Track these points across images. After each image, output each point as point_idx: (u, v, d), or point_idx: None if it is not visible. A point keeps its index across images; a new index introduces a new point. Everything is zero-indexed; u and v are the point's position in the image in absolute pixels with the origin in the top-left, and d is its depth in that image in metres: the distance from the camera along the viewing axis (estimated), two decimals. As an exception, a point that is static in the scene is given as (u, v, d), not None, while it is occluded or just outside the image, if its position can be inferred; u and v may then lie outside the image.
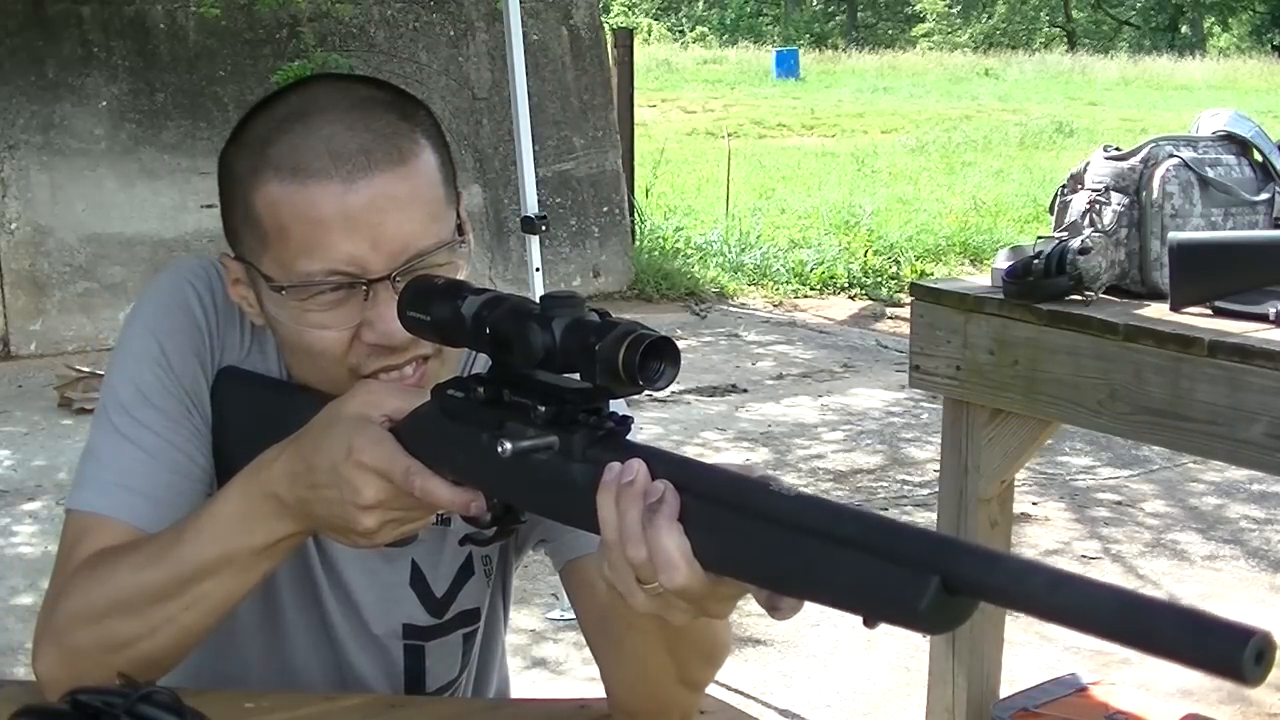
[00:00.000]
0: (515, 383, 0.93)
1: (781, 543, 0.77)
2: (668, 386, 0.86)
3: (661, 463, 0.85)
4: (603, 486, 0.85)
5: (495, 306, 0.95)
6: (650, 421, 5.44)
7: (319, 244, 1.08)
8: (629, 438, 0.91)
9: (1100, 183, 2.48)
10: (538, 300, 0.92)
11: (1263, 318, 2.19)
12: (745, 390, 6.12)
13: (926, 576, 0.71)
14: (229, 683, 1.28)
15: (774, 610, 0.81)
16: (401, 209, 1.09)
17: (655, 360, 0.85)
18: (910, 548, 0.72)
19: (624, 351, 0.84)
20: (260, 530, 1.07)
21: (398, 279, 1.08)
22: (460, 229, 1.15)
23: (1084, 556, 4.18)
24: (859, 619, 0.75)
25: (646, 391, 0.87)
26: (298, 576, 1.26)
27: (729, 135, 12.80)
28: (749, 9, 44.01)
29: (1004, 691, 2.68)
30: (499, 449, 0.90)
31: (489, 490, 0.98)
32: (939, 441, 2.63)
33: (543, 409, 0.91)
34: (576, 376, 0.89)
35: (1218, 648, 0.60)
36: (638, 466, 0.85)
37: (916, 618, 0.71)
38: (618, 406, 0.93)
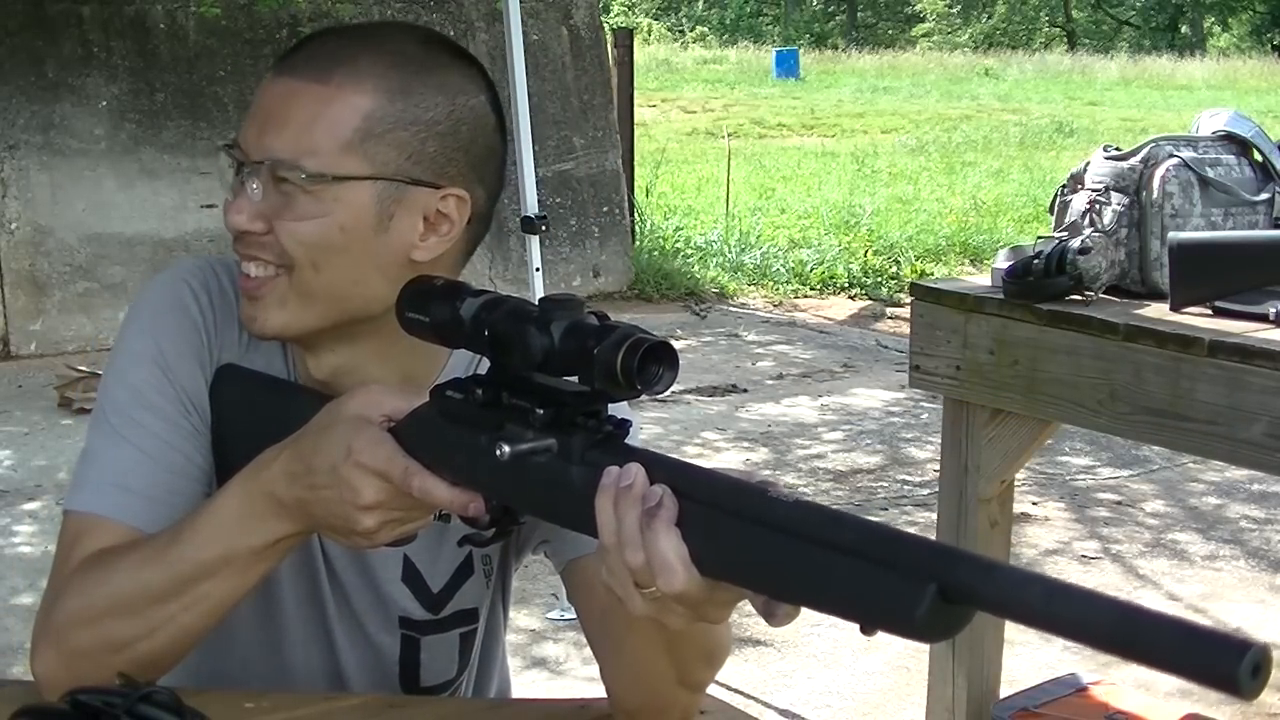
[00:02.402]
0: (514, 385, 0.93)
1: (779, 549, 0.77)
2: (666, 390, 0.86)
3: (660, 467, 0.85)
4: (601, 490, 0.85)
5: (494, 309, 0.95)
6: (650, 421, 5.44)
7: None
8: (628, 441, 0.91)
9: (1100, 183, 2.48)
10: (537, 302, 0.92)
11: (1263, 318, 2.19)
12: (745, 390, 6.12)
13: (924, 584, 0.71)
14: (226, 679, 1.28)
15: (771, 617, 0.81)
16: (288, 115, 1.13)
17: (654, 364, 0.85)
18: (907, 555, 0.72)
19: (622, 356, 0.84)
20: (259, 530, 1.07)
21: (247, 172, 1.13)
22: (434, 221, 1.15)
23: (1084, 556, 4.18)
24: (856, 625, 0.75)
25: (644, 395, 0.87)
26: (299, 570, 1.26)
27: (729, 135, 12.81)
28: (749, 9, 43.99)
29: (1004, 691, 2.68)
30: (497, 451, 0.90)
31: (487, 492, 0.98)
32: (939, 441, 2.63)
33: (541, 412, 0.90)
34: (575, 379, 0.89)
35: (1214, 661, 0.60)
36: (636, 471, 0.85)
37: (913, 626, 0.71)
38: (617, 410, 0.93)
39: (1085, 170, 2.53)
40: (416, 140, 1.15)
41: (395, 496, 1.00)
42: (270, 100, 1.14)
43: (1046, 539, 4.32)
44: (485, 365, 1.21)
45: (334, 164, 1.12)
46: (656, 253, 8.47)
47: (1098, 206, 2.45)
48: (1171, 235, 2.34)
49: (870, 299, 8.14)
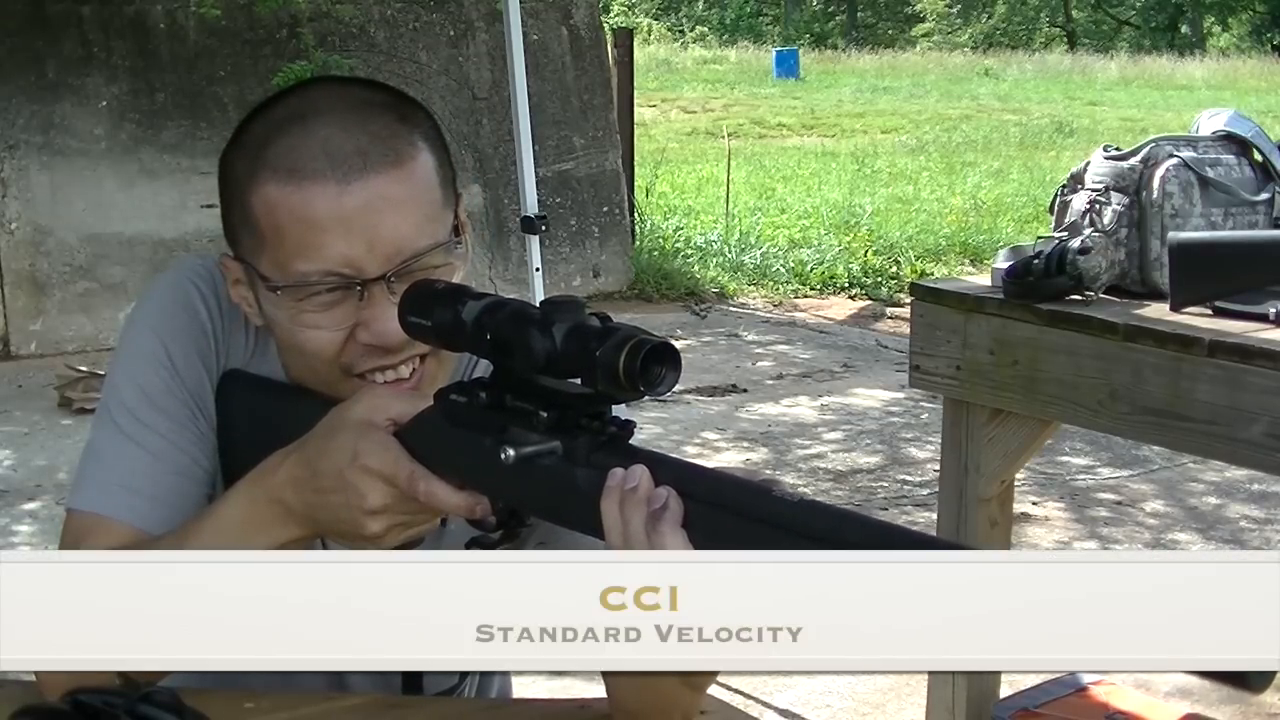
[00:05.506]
0: (517, 388, 0.93)
1: (785, 548, 0.77)
2: (668, 391, 0.86)
3: (665, 468, 0.85)
4: (606, 492, 0.86)
5: (496, 311, 0.95)
6: (650, 421, 5.44)
7: (314, 245, 1.09)
8: (631, 442, 0.91)
9: (1100, 183, 2.48)
10: (538, 304, 0.92)
11: (1263, 318, 2.19)
12: (745, 390, 6.12)
13: None
14: (227, 679, 1.28)
15: None
16: (397, 211, 1.09)
17: (656, 365, 0.85)
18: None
19: (624, 357, 0.84)
20: (265, 535, 1.07)
21: (393, 280, 1.09)
22: (458, 230, 1.16)
23: (1084, 556, 4.18)
24: None
25: (647, 396, 0.87)
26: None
27: (729, 135, 12.81)
28: (749, 9, 43.98)
29: (1004, 691, 2.68)
30: (503, 455, 0.90)
31: (493, 495, 0.98)
32: (939, 441, 2.63)
33: (545, 414, 0.91)
34: (578, 381, 0.89)
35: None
36: (641, 472, 0.85)
37: None
38: (619, 411, 0.93)
39: (1085, 170, 2.53)
40: (449, 161, 1.17)
41: (401, 500, 1.00)
42: (356, 212, 1.08)
43: (1046, 539, 4.32)
44: (481, 365, 1.22)
45: (448, 218, 1.14)
46: (656, 253, 8.47)
47: (1098, 206, 2.46)
48: (1171, 235, 2.34)
49: (870, 299, 8.13)
